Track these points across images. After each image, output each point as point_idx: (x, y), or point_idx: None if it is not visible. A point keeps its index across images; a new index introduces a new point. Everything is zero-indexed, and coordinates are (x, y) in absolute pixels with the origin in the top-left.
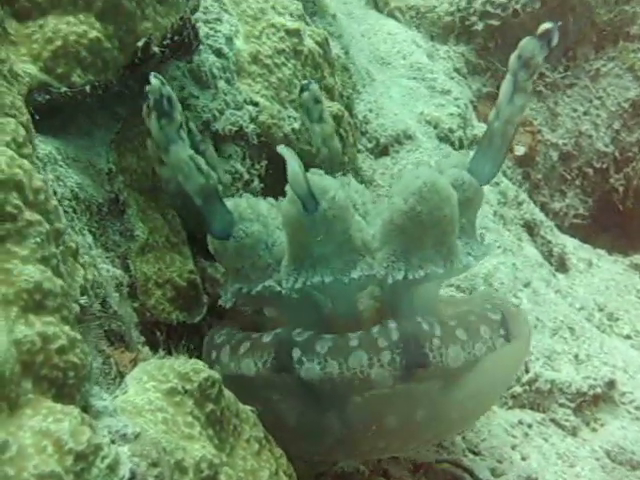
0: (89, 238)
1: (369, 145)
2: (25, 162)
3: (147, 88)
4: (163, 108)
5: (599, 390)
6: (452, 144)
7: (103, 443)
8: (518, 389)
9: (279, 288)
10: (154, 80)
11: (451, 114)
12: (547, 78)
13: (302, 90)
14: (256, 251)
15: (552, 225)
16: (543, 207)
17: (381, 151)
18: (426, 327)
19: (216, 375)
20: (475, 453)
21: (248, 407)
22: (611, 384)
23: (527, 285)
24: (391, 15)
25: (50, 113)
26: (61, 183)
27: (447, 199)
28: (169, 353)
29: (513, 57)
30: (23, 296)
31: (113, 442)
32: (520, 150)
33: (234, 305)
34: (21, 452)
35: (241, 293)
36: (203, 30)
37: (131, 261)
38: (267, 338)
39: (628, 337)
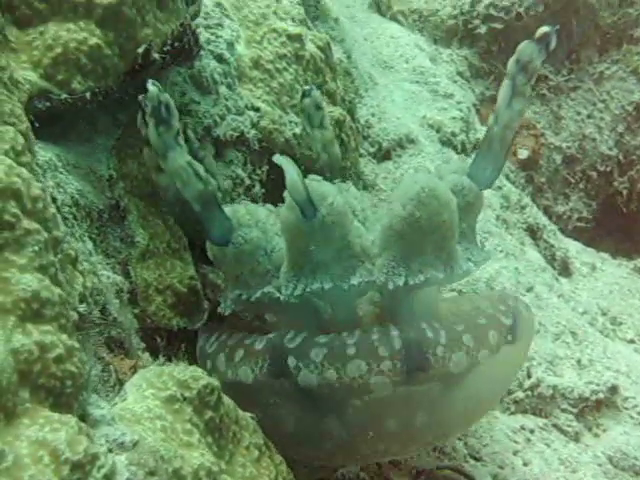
0: (89, 245)
1: (371, 149)
2: (23, 170)
3: (142, 97)
4: (161, 115)
5: (601, 395)
6: (455, 148)
7: (100, 452)
8: (520, 394)
9: (278, 294)
10: (152, 87)
11: (454, 118)
12: (551, 81)
13: (304, 96)
14: (255, 257)
15: (555, 229)
16: (546, 210)
17: (383, 155)
18: (430, 335)
19: (215, 382)
20: (477, 459)
21: (248, 414)
22: (614, 389)
23: (530, 289)
24: (394, 19)
25: (51, 120)
26: (61, 190)
27: (446, 204)
28: (169, 359)
29: (511, 61)
30: (21, 305)
31: (110, 451)
32: (523, 154)
33: (234, 311)
34: (17, 462)
35: (240, 300)
36: (204, 35)
37: (132, 267)
38: (260, 345)
39: (632, 341)
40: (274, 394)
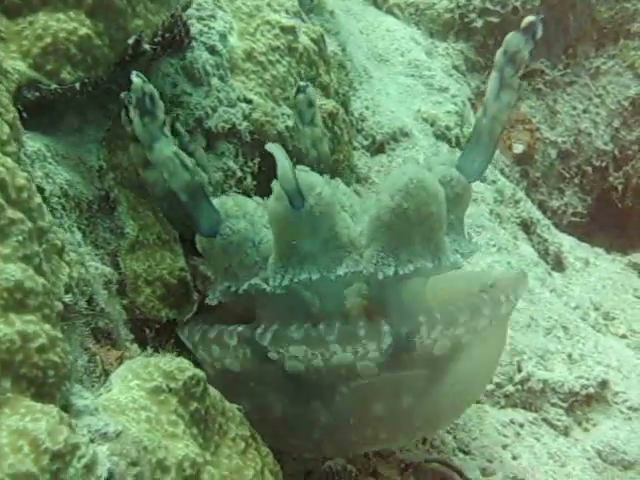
0: (78, 235)
1: (365, 142)
2: (8, 160)
3: (124, 94)
4: (146, 106)
5: (592, 390)
6: (449, 142)
7: (81, 442)
8: (510, 388)
9: (265, 286)
10: (135, 79)
11: (448, 112)
12: (547, 76)
13: (298, 91)
14: (243, 249)
15: (549, 224)
16: (541, 205)
17: (377, 149)
18: (424, 329)
19: (201, 373)
20: (465, 452)
21: (235, 405)
22: (604, 384)
23: None
24: (390, 12)
25: (40, 110)
26: (50, 180)
27: (434, 196)
28: (157, 351)
29: (499, 53)
30: (3, 295)
31: (92, 441)
32: (518, 148)
33: (220, 303)
34: None
35: (229, 292)
36: (196, 27)
37: (121, 258)
38: (233, 341)
39: (624, 337)
40: (262, 381)
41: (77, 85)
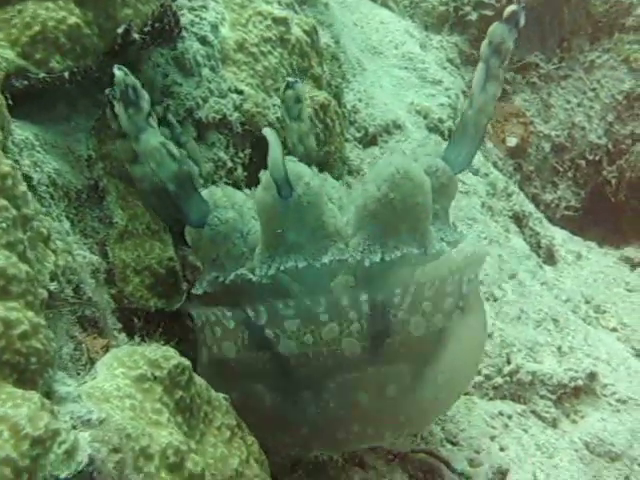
0: (66, 224)
1: (358, 135)
2: None
3: (108, 90)
4: (129, 98)
5: (580, 382)
6: (442, 134)
7: (61, 428)
8: (499, 380)
9: (251, 276)
10: (117, 72)
11: (441, 104)
12: (541, 69)
13: (287, 87)
14: (230, 239)
15: (541, 217)
16: (534, 199)
17: (370, 141)
18: (396, 299)
19: (186, 362)
20: (453, 443)
21: (221, 395)
22: (592, 376)
23: (512, 276)
24: (385, 4)
25: (30, 99)
26: (38, 169)
27: (420, 185)
28: (144, 340)
29: (484, 44)
30: None
31: (75, 428)
32: (512, 141)
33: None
34: None
35: (217, 282)
36: (188, 17)
37: (109, 248)
38: (230, 324)
39: (614, 330)
40: (253, 371)
41: (66, 74)
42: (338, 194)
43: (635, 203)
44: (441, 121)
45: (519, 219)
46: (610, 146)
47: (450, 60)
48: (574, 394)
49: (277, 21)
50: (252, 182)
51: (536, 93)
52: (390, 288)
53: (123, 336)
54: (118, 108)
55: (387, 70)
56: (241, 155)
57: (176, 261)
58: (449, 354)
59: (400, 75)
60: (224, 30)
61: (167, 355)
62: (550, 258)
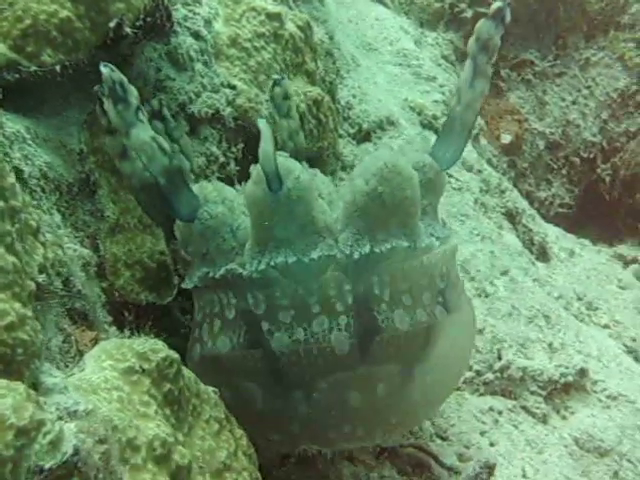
0: (57, 217)
1: (351, 131)
2: None
3: (97, 87)
4: (117, 94)
5: (571, 378)
6: (436, 131)
7: (47, 419)
8: (490, 376)
9: (241, 271)
10: (104, 69)
11: (435, 101)
12: (536, 67)
13: (274, 85)
14: (220, 234)
15: (534, 214)
16: (528, 196)
17: (363, 137)
18: (377, 291)
19: (175, 355)
20: (443, 438)
21: (210, 388)
22: (583, 372)
23: (504, 273)
24: (380, 1)
25: (22, 92)
26: (29, 162)
27: (408, 180)
28: (133, 334)
29: (471, 41)
30: None
31: (61, 419)
32: (506, 138)
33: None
34: None
35: (207, 278)
36: (181, 12)
37: (101, 241)
38: (230, 314)
39: (606, 327)
40: (245, 367)
41: (58, 68)
42: (327, 189)
43: (629, 201)
44: (435, 118)
45: (512, 216)
46: (604, 144)
47: (445, 57)
48: (564, 390)
49: (271, 17)
50: (244, 177)
51: (531, 90)
52: (369, 280)
53: (114, 329)
54: (107, 104)
55: (381, 66)
56: (234, 150)
57: (167, 255)
58: (438, 353)
59: (394, 71)
60: (217, 25)
61: (155, 348)
62: (543, 255)
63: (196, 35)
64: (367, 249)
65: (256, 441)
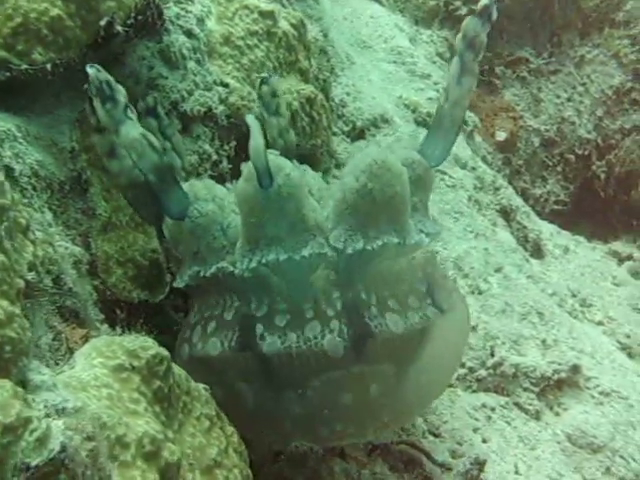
0: (48, 215)
1: (345, 128)
2: None
3: (86, 86)
4: (104, 93)
5: (563, 375)
6: None
7: (34, 416)
8: (483, 373)
9: (232, 269)
10: (90, 70)
11: (430, 98)
12: (531, 64)
13: (262, 83)
14: (210, 232)
15: (529, 211)
16: (524, 193)
17: (357, 134)
18: (364, 296)
19: (165, 352)
20: (435, 435)
21: (201, 385)
22: (575, 369)
23: (498, 270)
24: None
25: (13, 90)
26: (20, 160)
27: (398, 176)
28: (124, 332)
29: (458, 39)
30: None
31: (48, 416)
32: (501, 136)
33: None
34: None
35: (198, 276)
36: (174, 10)
37: (92, 239)
38: (229, 315)
39: (600, 323)
40: (236, 367)
41: (49, 66)
42: (318, 186)
43: (624, 198)
44: (429, 115)
45: (506, 213)
46: (599, 141)
47: (440, 54)
48: (557, 386)
49: (264, 14)
50: (237, 175)
51: (526, 88)
52: (356, 286)
53: (105, 327)
54: (96, 104)
55: (376, 64)
56: (226, 148)
57: (160, 253)
58: (431, 353)
59: (389, 69)
60: (210, 23)
61: (145, 345)
62: (537, 252)
63: (188, 33)
64: (360, 245)
65: (247, 438)
